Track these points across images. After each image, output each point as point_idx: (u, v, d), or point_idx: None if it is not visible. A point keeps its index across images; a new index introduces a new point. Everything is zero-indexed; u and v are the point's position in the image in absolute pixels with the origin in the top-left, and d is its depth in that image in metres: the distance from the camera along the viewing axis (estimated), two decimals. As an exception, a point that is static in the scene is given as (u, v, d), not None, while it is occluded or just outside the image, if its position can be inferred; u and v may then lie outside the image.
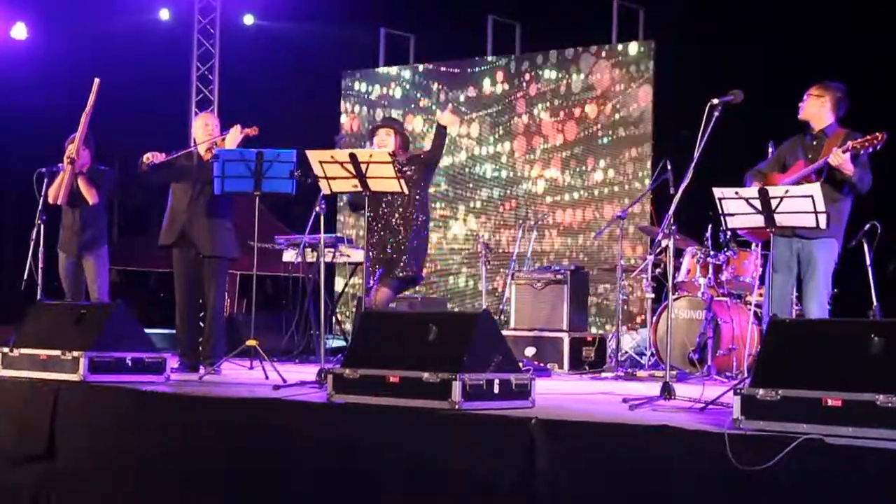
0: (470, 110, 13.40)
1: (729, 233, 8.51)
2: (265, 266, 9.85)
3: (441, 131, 7.84)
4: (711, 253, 9.01)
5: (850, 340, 4.47)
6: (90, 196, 8.84)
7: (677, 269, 9.11)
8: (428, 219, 7.92)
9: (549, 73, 12.85)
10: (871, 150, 6.63)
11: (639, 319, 11.43)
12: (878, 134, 6.58)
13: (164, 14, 14.06)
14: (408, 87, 13.92)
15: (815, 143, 6.99)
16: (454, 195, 13.47)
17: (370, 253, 7.69)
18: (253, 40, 14.24)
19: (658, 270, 9.36)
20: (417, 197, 7.76)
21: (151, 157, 7.97)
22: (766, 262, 6.68)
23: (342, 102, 14.41)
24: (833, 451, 4.09)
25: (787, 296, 7.00)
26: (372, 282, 7.73)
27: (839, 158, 6.62)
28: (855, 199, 7.00)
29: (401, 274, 7.71)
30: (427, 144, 9.23)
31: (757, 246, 8.68)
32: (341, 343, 11.16)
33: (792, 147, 7.12)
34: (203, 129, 8.35)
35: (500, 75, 13.24)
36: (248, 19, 14.51)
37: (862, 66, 9.90)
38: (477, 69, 13.43)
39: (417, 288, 9.75)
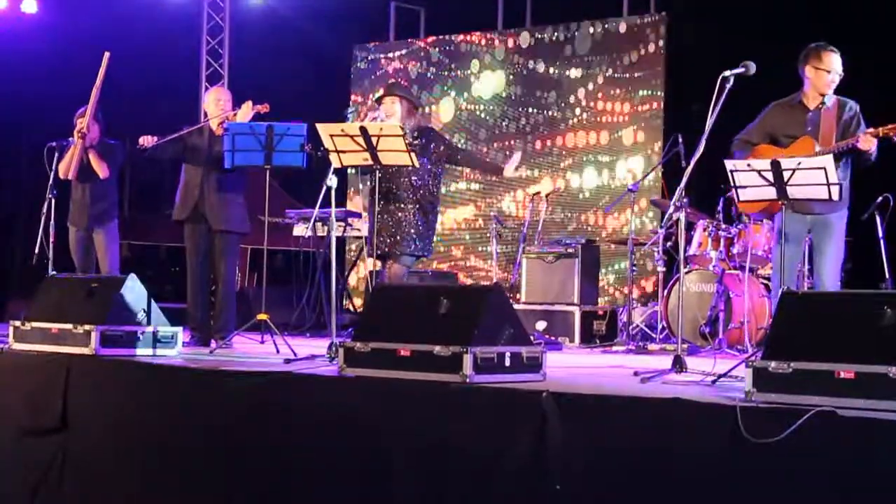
0: (481, 82, 13.37)
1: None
2: (276, 240, 9.85)
3: (495, 171, 8.17)
4: (723, 226, 8.99)
5: (862, 313, 4.46)
6: (101, 170, 8.84)
7: (689, 242, 9.09)
8: (437, 191, 7.86)
9: (560, 46, 12.79)
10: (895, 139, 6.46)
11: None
12: None
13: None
14: (418, 59, 13.88)
15: (808, 114, 6.77)
16: (464, 169, 13.43)
17: (375, 225, 7.66)
18: (263, 13, 14.19)
19: (669, 244, 9.34)
20: (426, 169, 7.70)
21: (143, 142, 7.98)
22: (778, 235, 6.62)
23: (352, 76, 14.38)
24: (845, 424, 4.08)
25: (794, 269, 6.93)
26: (378, 255, 7.70)
27: (869, 143, 6.46)
28: (859, 168, 6.88)
29: (409, 249, 7.67)
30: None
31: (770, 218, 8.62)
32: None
33: (786, 119, 6.87)
34: (215, 104, 8.32)
35: (510, 47, 13.18)
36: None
37: (880, 34, 9.84)
38: (487, 41, 13.38)
39: (428, 260, 9.75)
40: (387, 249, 7.66)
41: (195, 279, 8.21)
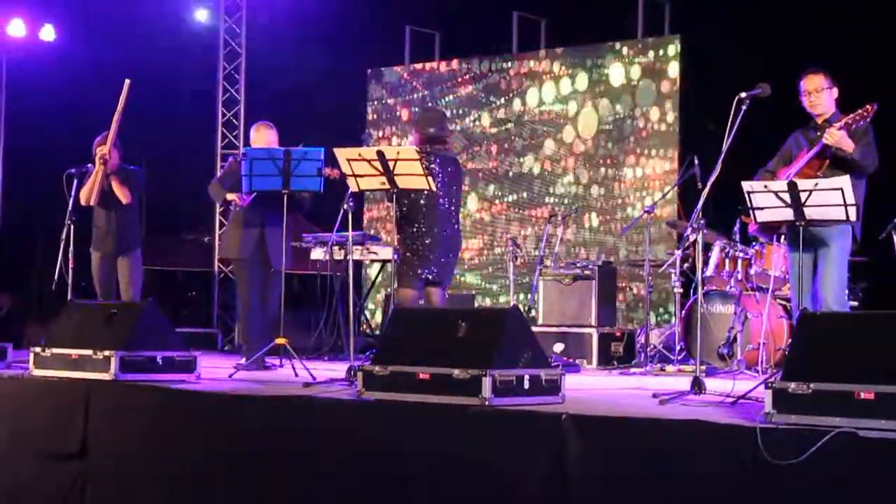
0: (495, 106, 13.40)
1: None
2: (293, 264, 9.87)
3: None
4: (740, 247, 8.97)
5: (880, 333, 4.47)
6: (123, 196, 8.85)
7: (706, 263, 9.08)
8: (455, 217, 7.82)
9: (575, 69, 12.82)
10: (862, 123, 6.49)
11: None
12: (867, 105, 6.46)
13: (202, 15, 14.06)
14: (433, 83, 13.92)
15: (818, 133, 6.79)
16: (482, 191, 13.46)
17: (399, 249, 7.66)
18: (279, 38, 14.25)
19: (686, 265, 9.33)
20: (442, 195, 7.67)
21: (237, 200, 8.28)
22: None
23: (368, 100, 14.43)
24: (866, 445, 4.07)
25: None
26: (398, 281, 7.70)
27: (835, 136, 6.49)
28: (870, 185, 6.81)
29: (422, 275, 7.63)
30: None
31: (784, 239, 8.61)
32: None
33: (796, 140, 6.99)
34: (268, 144, 8.43)
35: (525, 70, 13.21)
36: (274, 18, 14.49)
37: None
38: (503, 65, 13.41)
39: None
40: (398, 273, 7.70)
41: (253, 308, 8.38)
